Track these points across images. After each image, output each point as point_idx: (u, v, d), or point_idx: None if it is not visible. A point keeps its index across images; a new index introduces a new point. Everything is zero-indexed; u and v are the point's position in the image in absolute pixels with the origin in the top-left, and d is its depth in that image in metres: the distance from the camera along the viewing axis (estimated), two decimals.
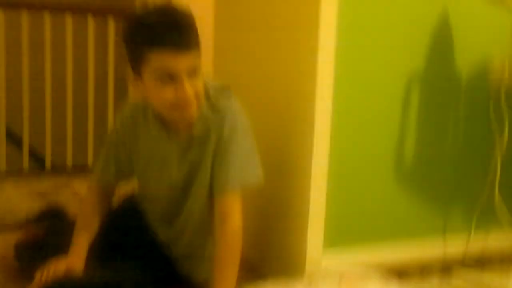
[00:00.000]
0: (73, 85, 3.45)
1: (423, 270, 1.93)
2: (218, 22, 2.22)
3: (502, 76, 1.93)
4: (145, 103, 1.54)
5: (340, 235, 1.81)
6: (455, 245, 1.99)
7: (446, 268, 1.97)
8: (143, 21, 1.39)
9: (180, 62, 1.35)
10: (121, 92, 3.49)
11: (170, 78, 1.37)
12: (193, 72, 1.39)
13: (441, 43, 1.89)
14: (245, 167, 1.51)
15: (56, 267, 1.47)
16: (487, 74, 1.97)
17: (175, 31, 1.35)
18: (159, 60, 1.35)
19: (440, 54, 1.90)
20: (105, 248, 1.57)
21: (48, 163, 3.43)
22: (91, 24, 3.43)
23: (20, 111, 3.34)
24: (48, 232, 1.80)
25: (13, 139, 3.60)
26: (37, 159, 3.65)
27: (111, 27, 3.48)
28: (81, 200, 1.69)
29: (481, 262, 2.03)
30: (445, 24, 1.88)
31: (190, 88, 1.38)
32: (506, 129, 1.93)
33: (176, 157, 1.52)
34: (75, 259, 1.51)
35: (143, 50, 1.37)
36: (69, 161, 3.42)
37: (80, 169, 3.30)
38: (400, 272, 1.85)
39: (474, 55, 1.95)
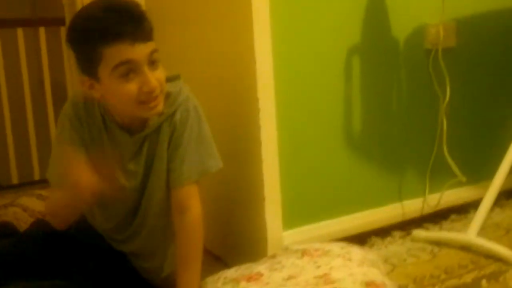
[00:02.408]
0: (9, 100, 3.34)
1: (383, 235, 1.95)
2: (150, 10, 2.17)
3: (438, 40, 1.96)
4: (86, 102, 1.46)
5: (298, 213, 1.80)
6: (412, 207, 2.03)
7: (405, 230, 1.99)
8: (90, 17, 1.29)
9: (139, 53, 1.28)
10: (60, 100, 3.40)
11: (132, 71, 1.29)
12: (154, 63, 1.32)
13: (376, 14, 1.91)
14: (201, 155, 1.45)
15: None
16: (423, 39, 2.00)
17: (128, 21, 1.27)
18: (117, 54, 1.27)
19: (377, 24, 1.92)
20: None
21: None
22: (20, 36, 3.32)
23: None
24: None
25: None
26: None
27: (43, 36, 3.38)
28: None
29: (439, 219, 2.07)
30: None
31: (153, 79, 1.30)
32: (448, 88, 1.97)
33: (131, 153, 1.45)
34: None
35: (96, 48, 1.27)
36: (15, 178, 3.31)
37: (27, 185, 3.18)
38: (361, 240, 1.86)
39: (409, 22, 1.98)
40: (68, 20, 3.29)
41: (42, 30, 3.37)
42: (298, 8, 1.75)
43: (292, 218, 1.76)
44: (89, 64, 1.31)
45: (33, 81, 3.42)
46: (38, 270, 1.45)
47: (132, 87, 1.29)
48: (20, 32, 3.31)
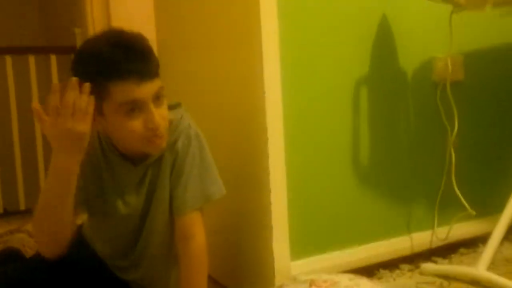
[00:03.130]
0: (19, 127, 3.37)
1: (392, 268, 1.92)
2: (160, 40, 2.20)
3: (446, 73, 1.97)
4: (94, 133, 1.47)
5: (306, 243, 1.78)
6: (421, 240, 2.00)
7: (414, 263, 1.97)
8: (96, 53, 1.28)
9: (145, 92, 1.28)
10: None
11: (137, 109, 1.29)
12: (159, 100, 1.32)
13: (385, 46, 1.92)
14: (204, 182, 1.45)
15: None
16: (431, 72, 2.01)
17: (135, 59, 1.26)
18: (123, 93, 1.26)
19: (385, 56, 1.93)
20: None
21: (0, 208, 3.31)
22: (32, 63, 3.37)
23: None
24: (4, 274, 1.70)
25: None
26: None
27: (54, 64, 3.43)
28: None
29: (448, 253, 2.04)
30: (386, 25, 1.92)
31: (158, 117, 1.31)
32: (456, 120, 1.96)
33: (134, 186, 1.45)
34: None
35: (102, 85, 1.26)
36: (22, 204, 3.31)
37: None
38: (369, 273, 1.84)
39: (417, 55, 1.99)
40: None
41: (53, 58, 3.42)
42: (307, 39, 1.77)
43: (300, 248, 1.75)
44: (95, 97, 1.27)
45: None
46: None
47: (137, 124, 1.30)
48: (31, 59, 3.36)
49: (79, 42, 3.32)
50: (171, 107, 1.45)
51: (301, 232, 1.75)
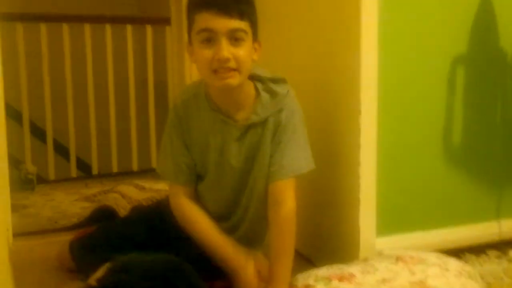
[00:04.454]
0: (115, 94, 3.54)
1: (478, 253, 1.89)
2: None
3: None
4: (196, 92, 1.57)
5: (392, 221, 1.79)
6: (510, 227, 1.95)
7: (501, 250, 1.92)
8: None
9: (220, 25, 1.39)
10: (161, 98, 3.56)
11: (212, 40, 1.41)
12: (235, 38, 1.41)
13: (484, 25, 1.87)
14: (299, 155, 1.52)
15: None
16: None
17: None
18: (201, 21, 1.41)
19: (484, 34, 1.88)
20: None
21: (94, 170, 3.51)
22: (129, 33, 3.51)
23: (66, 123, 3.44)
24: (99, 231, 1.82)
25: (61, 150, 3.70)
26: (84, 167, 3.74)
27: (149, 35, 3.56)
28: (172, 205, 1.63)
29: None
30: (488, 5, 1.86)
31: (228, 51, 1.40)
32: None
33: (234, 141, 1.53)
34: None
35: (191, 13, 1.45)
36: (115, 167, 3.50)
37: (126, 174, 3.36)
38: (455, 255, 1.82)
39: None
40: (173, 20, 3.45)
41: (149, 28, 3.55)
42: (406, 14, 1.76)
43: (386, 225, 1.75)
44: (188, 28, 1.48)
45: (138, 77, 3.60)
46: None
47: (207, 53, 1.42)
48: (129, 28, 3.51)
49: (174, 14, 3.43)
50: (276, 81, 1.54)
51: (388, 209, 1.75)
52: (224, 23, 1.39)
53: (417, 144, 1.82)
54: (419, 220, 1.83)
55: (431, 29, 1.79)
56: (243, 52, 1.43)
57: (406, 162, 1.80)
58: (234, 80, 1.44)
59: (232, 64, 1.42)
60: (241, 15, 1.41)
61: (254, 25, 1.46)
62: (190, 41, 1.48)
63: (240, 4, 1.42)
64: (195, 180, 1.61)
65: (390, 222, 1.77)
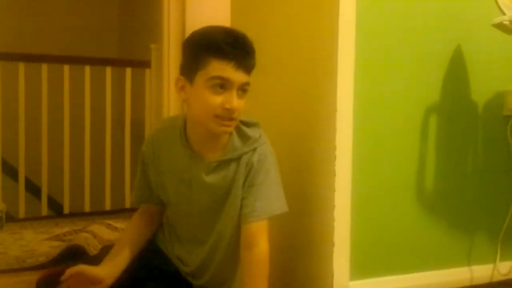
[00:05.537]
0: (90, 134, 3.52)
1: None
2: None
3: None
4: (172, 124, 1.59)
5: (366, 264, 1.80)
6: (481, 273, 1.98)
7: None
8: (209, 34, 1.46)
9: (237, 78, 1.42)
10: (137, 140, 3.56)
11: (223, 88, 1.43)
12: (242, 92, 1.46)
13: (456, 75, 1.95)
14: (272, 197, 1.53)
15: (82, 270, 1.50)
16: (503, 104, 2.01)
17: (242, 50, 1.43)
18: (220, 68, 1.41)
19: (456, 86, 1.95)
20: (128, 280, 1.56)
21: (66, 209, 3.45)
22: (108, 75, 3.53)
23: (39, 161, 3.39)
24: (67, 269, 1.79)
25: (32, 188, 3.64)
26: (55, 206, 3.68)
27: (128, 77, 3.59)
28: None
29: None
30: (460, 58, 1.94)
31: (237, 102, 1.44)
32: None
33: (205, 182, 1.54)
34: (106, 269, 1.52)
35: (205, 55, 1.42)
36: (87, 207, 3.45)
37: (98, 214, 3.31)
38: None
39: (488, 87, 2.01)
40: (153, 63, 3.49)
41: (128, 71, 3.58)
42: (381, 63, 1.82)
43: (359, 269, 1.77)
44: (192, 67, 1.45)
45: (115, 118, 3.60)
46: None
47: (217, 99, 1.43)
48: (108, 70, 3.53)
49: (154, 58, 3.48)
50: (250, 124, 1.56)
51: (361, 252, 1.77)
52: (240, 77, 1.43)
53: (391, 189, 1.85)
54: (392, 264, 1.85)
55: (406, 79, 1.86)
56: (244, 103, 1.47)
57: (380, 207, 1.83)
58: (231, 128, 1.49)
59: (235, 114, 1.45)
60: (251, 69, 1.47)
61: None
62: (189, 78, 1.47)
63: (252, 60, 1.47)
64: (157, 202, 1.66)
65: (363, 266, 1.79)
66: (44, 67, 3.39)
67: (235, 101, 1.43)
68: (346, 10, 1.71)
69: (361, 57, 1.74)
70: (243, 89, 1.45)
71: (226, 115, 1.44)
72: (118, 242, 1.61)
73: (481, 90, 1.99)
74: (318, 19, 1.79)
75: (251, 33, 2.19)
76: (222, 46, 1.42)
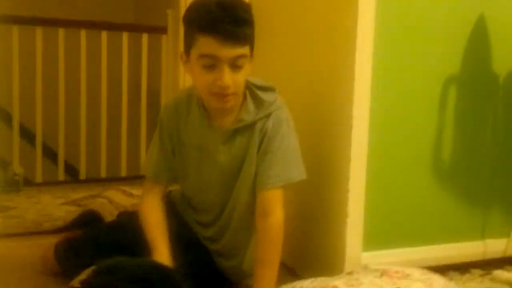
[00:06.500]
0: (107, 100, 3.53)
1: (462, 271, 1.91)
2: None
3: None
4: (189, 94, 1.58)
5: (379, 236, 1.79)
6: (495, 247, 1.97)
7: (486, 269, 1.93)
8: (201, 7, 1.43)
9: (224, 53, 1.39)
10: (153, 106, 3.57)
11: (213, 65, 1.40)
12: (236, 65, 1.41)
13: (478, 46, 1.90)
14: (288, 164, 1.52)
15: None
16: None
17: (229, 22, 1.38)
18: (205, 45, 1.39)
19: (477, 56, 1.91)
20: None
21: (82, 175, 3.49)
22: (125, 40, 3.52)
23: (55, 126, 3.42)
24: (85, 235, 1.81)
25: (49, 153, 3.68)
26: (72, 171, 3.73)
27: (145, 43, 3.57)
28: (140, 199, 1.68)
29: None
30: (482, 27, 1.88)
31: (229, 78, 1.40)
32: None
33: (220, 146, 1.54)
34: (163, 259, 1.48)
35: (194, 33, 1.41)
36: (103, 173, 3.48)
37: (114, 180, 3.34)
38: (439, 273, 1.82)
39: (510, 56, 1.95)
40: (170, 29, 3.47)
41: (145, 36, 3.56)
42: (401, 32, 1.78)
43: (372, 240, 1.76)
44: (187, 43, 1.45)
45: (131, 84, 3.61)
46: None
47: (208, 78, 1.42)
48: (125, 35, 3.51)
49: (170, 24, 3.45)
50: (266, 89, 1.54)
51: (375, 224, 1.76)
52: (229, 51, 1.39)
53: (407, 161, 1.83)
54: (405, 236, 1.84)
55: (425, 49, 1.82)
56: (242, 76, 1.44)
57: (395, 178, 1.82)
58: (231, 102, 1.48)
59: (231, 89, 1.43)
60: (245, 40, 1.42)
61: (252, 44, 1.46)
62: (187, 53, 1.47)
63: (244, 27, 1.41)
64: (171, 180, 1.64)
65: (376, 237, 1.78)
66: (61, 31, 3.39)
67: (226, 78, 1.40)
68: None
69: (381, 24, 1.69)
70: (237, 64, 1.41)
71: (221, 92, 1.43)
72: (152, 234, 1.54)
73: (502, 61, 1.93)
74: None
75: None
76: (208, 20, 1.37)
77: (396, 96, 1.79)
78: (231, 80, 1.41)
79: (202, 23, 1.39)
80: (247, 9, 1.44)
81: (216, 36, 1.37)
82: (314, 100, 1.87)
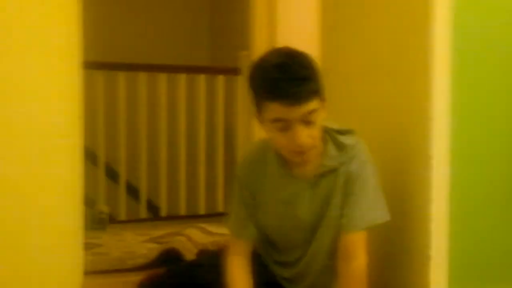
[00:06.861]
0: (185, 139, 3.65)
1: None
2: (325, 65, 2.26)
3: None
4: (264, 146, 1.59)
5: (465, 277, 1.72)
6: None
7: None
8: (261, 73, 1.45)
9: (294, 114, 1.39)
10: (230, 145, 3.65)
11: (285, 127, 1.41)
12: (308, 120, 1.41)
13: None
14: (372, 206, 1.51)
15: None
16: None
17: (288, 84, 1.37)
18: (274, 111, 1.40)
19: None
20: None
21: (163, 212, 3.60)
22: (202, 82, 3.65)
23: (138, 166, 3.57)
24: (168, 273, 1.86)
25: (132, 191, 3.83)
26: (153, 209, 3.85)
27: (220, 84, 3.68)
28: (226, 255, 1.65)
29: None
30: None
31: (304, 136, 1.41)
32: None
33: (305, 193, 1.54)
34: None
35: (260, 100, 1.43)
36: (183, 210, 3.57)
37: (192, 217, 3.42)
38: None
39: None
40: (244, 70, 3.56)
41: (220, 78, 3.67)
42: (479, 67, 1.73)
43: (458, 281, 1.69)
44: (257, 108, 1.47)
45: (208, 123, 3.71)
46: None
47: (283, 139, 1.44)
48: (202, 77, 3.65)
49: (244, 64, 3.54)
50: (344, 132, 1.55)
51: (460, 264, 1.69)
52: (297, 111, 1.39)
53: (492, 198, 1.76)
54: (493, 276, 1.76)
55: (506, 83, 1.76)
56: (317, 128, 1.45)
57: (481, 217, 1.74)
58: (310, 154, 1.48)
59: (309, 145, 1.44)
60: (311, 96, 1.40)
61: (322, 93, 1.45)
62: (259, 117, 1.48)
63: (307, 85, 1.40)
64: (256, 236, 1.62)
65: (462, 278, 1.71)
66: (142, 75, 3.56)
67: (299, 137, 1.41)
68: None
69: (458, 59, 1.66)
70: (307, 119, 1.41)
71: (296, 149, 1.44)
72: None
73: None
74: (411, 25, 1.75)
75: (342, 34, 2.17)
76: (269, 87, 1.39)
77: (476, 131, 1.73)
78: (307, 136, 1.42)
79: (264, 90, 1.41)
80: (306, 63, 1.43)
81: (281, 101, 1.38)
82: (390, 140, 1.85)
